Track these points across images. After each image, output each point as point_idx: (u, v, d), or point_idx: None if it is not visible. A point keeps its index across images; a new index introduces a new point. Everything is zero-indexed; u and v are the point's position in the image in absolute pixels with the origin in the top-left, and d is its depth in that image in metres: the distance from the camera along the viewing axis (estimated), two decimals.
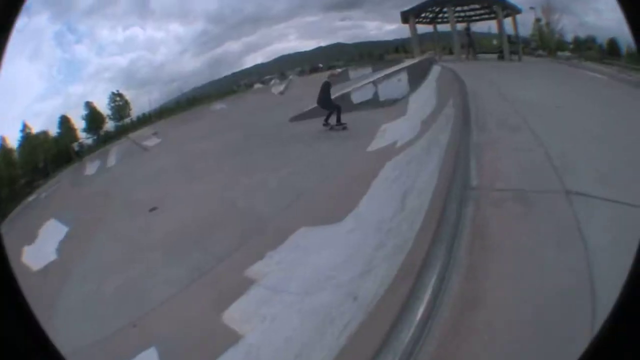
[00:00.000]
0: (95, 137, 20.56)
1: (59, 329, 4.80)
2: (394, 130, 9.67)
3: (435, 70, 13.67)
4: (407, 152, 7.21)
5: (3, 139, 16.54)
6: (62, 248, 8.95)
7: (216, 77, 22.92)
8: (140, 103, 21.87)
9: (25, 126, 17.08)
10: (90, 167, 16.87)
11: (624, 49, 15.48)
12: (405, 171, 6.29)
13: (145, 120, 21.40)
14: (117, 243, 8.01)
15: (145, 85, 22.88)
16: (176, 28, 23.64)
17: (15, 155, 16.80)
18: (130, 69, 22.28)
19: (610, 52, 16.19)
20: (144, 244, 7.54)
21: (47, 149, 18.05)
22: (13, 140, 16.84)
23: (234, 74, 23.08)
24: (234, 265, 5.52)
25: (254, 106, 18.60)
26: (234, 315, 4.55)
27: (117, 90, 20.62)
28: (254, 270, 5.15)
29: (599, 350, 1.21)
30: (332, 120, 11.53)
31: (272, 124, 13.53)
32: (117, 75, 22.19)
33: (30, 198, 14.98)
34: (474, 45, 19.00)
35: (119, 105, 20.74)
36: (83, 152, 19.13)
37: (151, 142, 17.17)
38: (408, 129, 8.97)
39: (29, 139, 17.28)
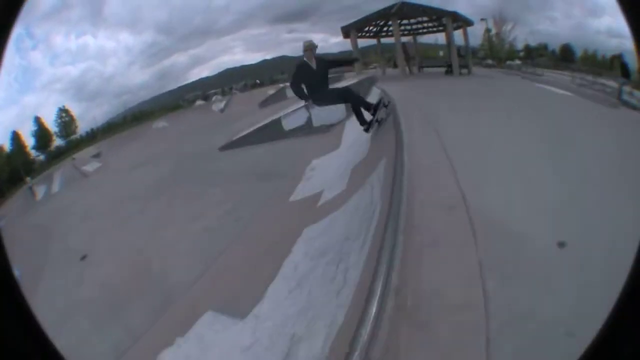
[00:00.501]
0: (44, 155, 20.49)
1: None
2: (322, 173, 9.04)
3: (374, 94, 12.09)
4: (330, 218, 6.25)
5: None
6: None
7: (163, 90, 23.34)
8: (91, 116, 22.30)
9: None
10: (38, 191, 17.23)
11: (578, 53, 16.07)
12: (323, 249, 5.39)
13: (91, 137, 21.40)
14: (52, 299, 8.18)
15: (95, 97, 23.26)
16: (126, 38, 23.99)
17: None
18: (82, 80, 22.89)
19: (563, 57, 16.62)
20: (73, 302, 7.82)
21: (1, 167, 18.05)
22: None
23: (179, 88, 23.60)
24: (147, 347, 5.71)
25: (192, 126, 19.00)
26: None
27: (64, 106, 20.64)
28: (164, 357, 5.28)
29: (599, 350, 1.24)
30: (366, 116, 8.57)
31: (203, 150, 13.72)
32: (68, 86, 22.31)
33: None
34: (413, 59, 18.99)
35: (65, 121, 20.65)
36: (34, 171, 19.17)
37: (91, 167, 17.57)
38: (337, 176, 7.91)
39: None
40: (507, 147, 6.38)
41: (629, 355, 1.17)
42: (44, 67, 20.86)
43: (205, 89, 23.44)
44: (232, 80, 23.45)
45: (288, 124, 12.89)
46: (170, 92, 23.24)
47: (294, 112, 13.04)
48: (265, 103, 19.07)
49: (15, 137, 19.09)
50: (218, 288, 6.22)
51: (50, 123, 20.46)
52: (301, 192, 8.62)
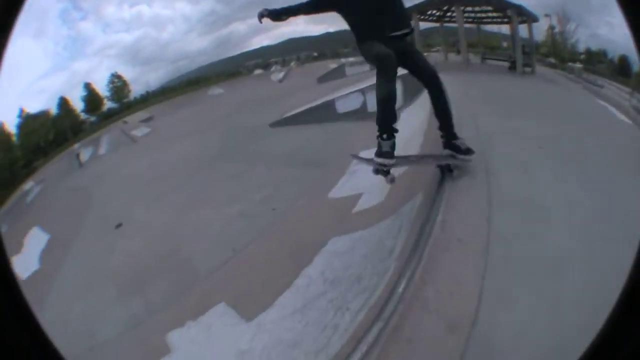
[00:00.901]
0: (95, 118, 21.39)
1: None
2: (367, 170, 8.14)
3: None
4: (356, 236, 5.89)
5: (2, 123, 17.54)
6: (42, 258, 9.90)
7: (222, 56, 23.13)
8: (145, 80, 22.47)
9: (22, 111, 18.01)
10: (84, 153, 17.68)
11: (634, 68, 15.01)
12: (338, 275, 5.22)
13: (144, 100, 22.06)
14: (81, 266, 8.73)
15: (150, 62, 23.21)
16: (183, 7, 23.79)
17: (14, 139, 17.78)
18: (136, 46, 22.70)
19: (621, 69, 15.57)
20: (100, 269, 8.26)
21: (46, 131, 18.97)
22: (11, 125, 17.88)
23: (240, 55, 23.16)
24: (158, 325, 6.03)
25: (247, 96, 18.69)
26: None
27: (116, 72, 21.16)
28: (172, 337, 5.58)
29: (599, 350, 1.26)
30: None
31: (254, 124, 13.43)
32: (121, 52, 22.53)
33: (27, 186, 15.97)
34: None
35: (117, 86, 21.30)
36: (82, 132, 20.08)
37: (140, 131, 17.84)
38: (377, 186, 6.69)
39: (27, 122, 18.19)
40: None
41: (629, 355, 1.19)
42: (95, 36, 21.12)
43: (266, 57, 22.93)
44: (294, 51, 22.84)
45: (342, 107, 12.27)
46: (230, 58, 22.93)
47: (349, 94, 12.41)
48: (324, 78, 18.62)
49: (63, 102, 19.81)
50: (236, 281, 6.33)
51: (102, 88, 21.16)
52: (342, 188, 8.20)
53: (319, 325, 4.45)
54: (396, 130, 4.47)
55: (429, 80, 4.77)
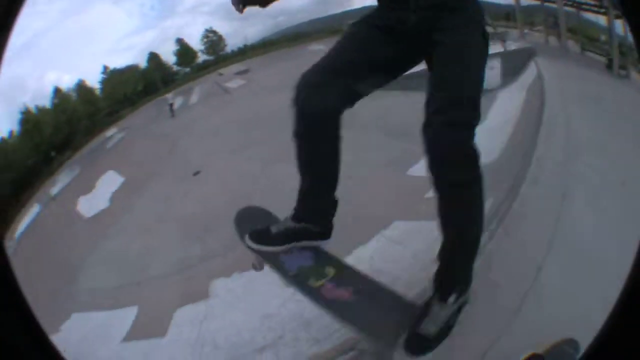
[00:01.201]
0: (189, 69, 22.43)
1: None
2: None
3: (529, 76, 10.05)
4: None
5: (82, 81, 18.93)
6: (113, 198, 10.63)
7: (324, 14, 23.05)
8: (244, 35, 23.01)
9: (105, 68, 19.25)
10: (175, 102, 18.26)
11: None
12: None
13: (242, 53, 22.58)
14: (151, 208, 9.37)
15: (248, 18, 23.65)
16: None
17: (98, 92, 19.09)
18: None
19: None
20: (170, 215, 8.80)
21: (135, 83, 20.32)
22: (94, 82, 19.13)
23: (343, 13, 23.02)
24: (207, 270, 6.43)
25: None
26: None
27: (211, 27, 21.84)
28: (215, 284, 5.96)
29: (599, 350, 1.28)
30: None
31: None
32: (217, 8, 23.27)
33: (110, 133, 17.03)
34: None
35: (213, 40, 22.00)
36: (173, 84, 21.21)
37: (234, 83, 18.21)
38: None
39: (112, 77, 19.39)
40: None
41: (629, 355, 1.19)
42: None
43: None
44: None
45: None
46: (332, 16, 22.91)
47: None
48: None
49: (152, 57, 20.71)
50: None
51: (195, 43, 21.94)
52: (422, 166, 7.79)
53: None
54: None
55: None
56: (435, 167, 2.24)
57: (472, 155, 2.09)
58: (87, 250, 8.55)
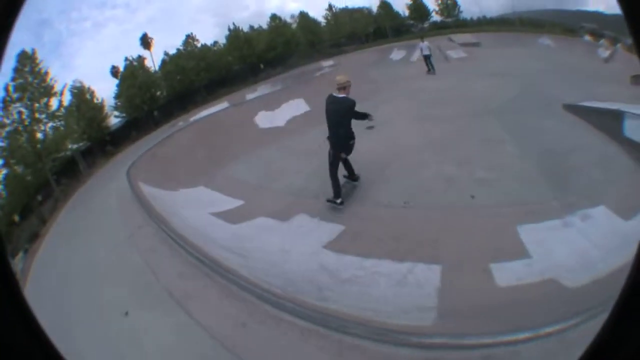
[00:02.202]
0: (424, 25, 23.24)
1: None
2: None
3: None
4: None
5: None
6: (290, 121, 12.39)
7: (561, 7, 21.67)
8: (487, 5, 22.85)
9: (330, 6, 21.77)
10: (396, 54, 19.77)
11: None
12: None
13: (478, 24, 22.56)
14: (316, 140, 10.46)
15: None
16: None
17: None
18: None
19: None
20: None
21: (366, 24, 22.48)
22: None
23: (577, 11, 21.40)
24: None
25: (569, 61, 17.15)
26: None
27: None
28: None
29: (599, 350, 1.28)
30: None
31: (553, 96, 11.85)
32: None
33: (326, 63, 19.29)
34: None
35: (447, 3, 22.46)
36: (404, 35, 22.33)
37: (456, 54, 18.41)
38: None
39: (341, 13, 22.25)
40: None
41: (629, 355, 1.20)
42: None
43: (602, 25, 19.74)
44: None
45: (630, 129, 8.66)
46: (567, 12, 21.14)
47: None
48: None
49: (384, 4, 22.29)
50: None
51: (431, 1, 22.54)
52: None
53: None
54: None
55: None
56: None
57: None
58: (245, 150, 10.44)
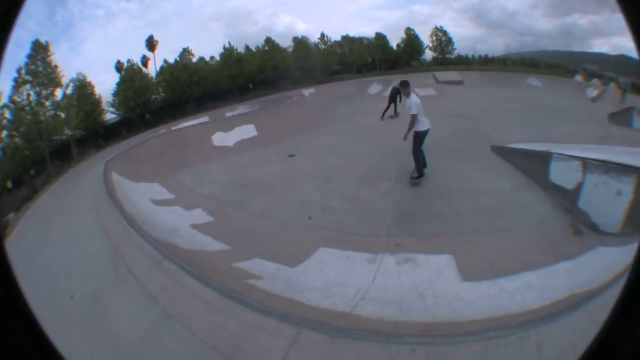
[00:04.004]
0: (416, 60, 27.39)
1: None
2: None
3: None
4: None
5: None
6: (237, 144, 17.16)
7: (567, 48, 24.52)
8: (492, 43, 26.81)
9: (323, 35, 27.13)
10: (374, 88, 24.00)
11: None
12: None
13: (467, 62, 26.34)
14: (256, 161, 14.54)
15: (496, 28, 26.99)
16: None
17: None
18: (481, 7, 26.89)
19: None
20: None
21: (362, 53, 27.39)
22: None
23: (582, 53, 23.84)
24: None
25: (547, 101, 19.62)
26: None
27: (441, 26, 26.21)
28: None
29: (599, 350, 1.42)
30: None
31: (481, 141, 13.22)
32: (467, 7, 27.22)
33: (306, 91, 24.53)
34: None
35: (441, 40, 26.47)
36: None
37: (425, 92, 20.51)
38: None
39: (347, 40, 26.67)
40: None
41: (629, 355, 1.32)
42: None
43: (602, 65, 22.36)
44: (627, 70, 21.08)
45: (554, 174, 8.91)
46: (572, 53, 23.79)
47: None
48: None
49: (380, 36, 27.33)
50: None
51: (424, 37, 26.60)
52: None
53: None
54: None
55: None
56: None
57: None
58: (196, 162, 14.80)
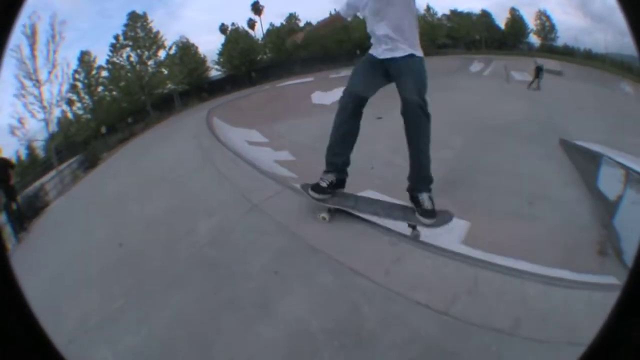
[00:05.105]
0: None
1: None
2: None
3: None
4: None
5: None
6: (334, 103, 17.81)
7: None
8: (594, 39, 25.90)
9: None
10: (475, 66, 24.82)
11: None
12: None
13: (570, 53, 26.51)
14: None
15: (599, 21, 26.61)
16: None
17: None
18: None
19: None
20: None
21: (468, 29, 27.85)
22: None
23: None
24: None
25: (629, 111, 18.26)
26: None
27: (544, 10, 26.73)
28: None
29: (599, 350, 1.42)
30: None
31: (551, 133, 13.72)
32: None
33: None
34: None
35: (545, 25, 26.97)
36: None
37: (520, 76, 22.98)
38: None
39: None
40: None
41: (629, 356, 1.33)
42: None
43: None
44: None
45: (602, 181, 8.34)
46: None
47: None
48: None
49: (484, 14, 27.42)
50: None
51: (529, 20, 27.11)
52: None
53: None
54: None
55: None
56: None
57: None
58: (294, 116, 16.47)
